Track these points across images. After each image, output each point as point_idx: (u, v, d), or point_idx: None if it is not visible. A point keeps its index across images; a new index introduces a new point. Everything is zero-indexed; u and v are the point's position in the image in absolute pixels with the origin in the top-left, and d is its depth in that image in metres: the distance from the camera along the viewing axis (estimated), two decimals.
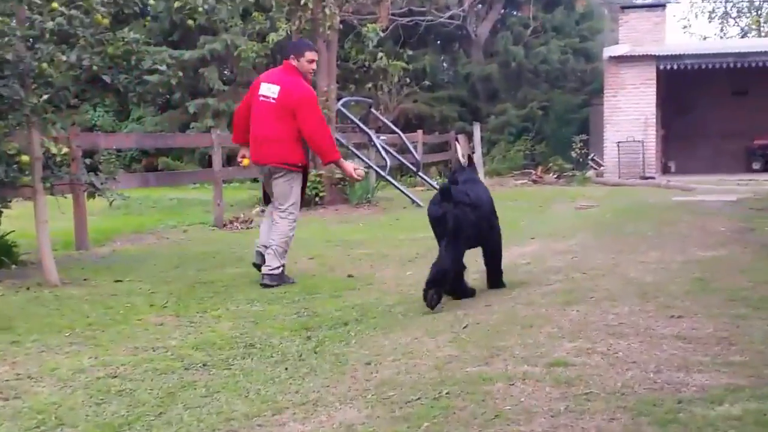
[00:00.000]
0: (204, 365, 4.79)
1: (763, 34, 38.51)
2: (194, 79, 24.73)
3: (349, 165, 7.91)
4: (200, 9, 8.56)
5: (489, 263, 6.84)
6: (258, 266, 7.59)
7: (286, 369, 4.66)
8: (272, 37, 15.09)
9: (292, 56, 7.60)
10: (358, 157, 16.30)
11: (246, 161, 7.95)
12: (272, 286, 7.27)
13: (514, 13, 28.72)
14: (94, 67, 7.66)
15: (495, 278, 6.86)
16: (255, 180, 20.92)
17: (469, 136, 23.73)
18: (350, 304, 6.45)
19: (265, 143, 7.48)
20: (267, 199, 7.95)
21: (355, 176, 7.92)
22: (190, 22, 8.84)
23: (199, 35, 24.15)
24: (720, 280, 6.60)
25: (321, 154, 7.62)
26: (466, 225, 6.26)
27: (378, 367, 4.59)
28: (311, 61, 7.65)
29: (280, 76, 7.61)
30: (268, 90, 7.51)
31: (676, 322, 5.26)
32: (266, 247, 7.52)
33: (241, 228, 12.36)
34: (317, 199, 15.02)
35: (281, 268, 7.48)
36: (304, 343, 5.27)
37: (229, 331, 5.61)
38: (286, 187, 7.52)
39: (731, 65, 21.46)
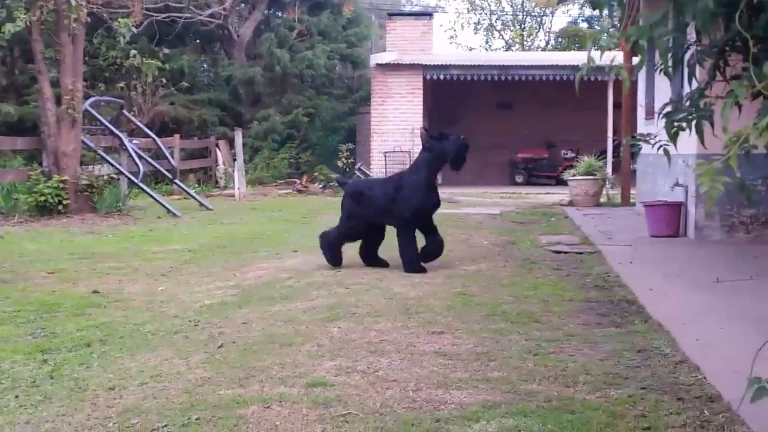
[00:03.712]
0: None
1: (526, 47, 40.87)
2: None
3: None
4: None
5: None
6: None
7: (17, 397, 4.40)
8: (8, 29, 14.28)
9: None
10: (108, 162, 15.89)
11: None
12: None
13: (279, 14, 28.79)
14: None
15: None
16: None
17: (231, 143, 23.57)
18: (94, 323, 6.19)
19: None
20: None
21: None
22: None
23: None
24: (481, 295, 6.91)
25: None
26: None
27: (122, 392, 4.44)
28: None
29: None
30: None
31: (437, 338, 5.45)
32: None
33: None
34: (60, 207, 14.38)
35: None
36: (40, 367, 5.00)
37: None
38: None
39: (496, 78, 22.60)
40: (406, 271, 8.15)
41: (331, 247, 8.63)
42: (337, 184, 9.20)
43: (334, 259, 8.60)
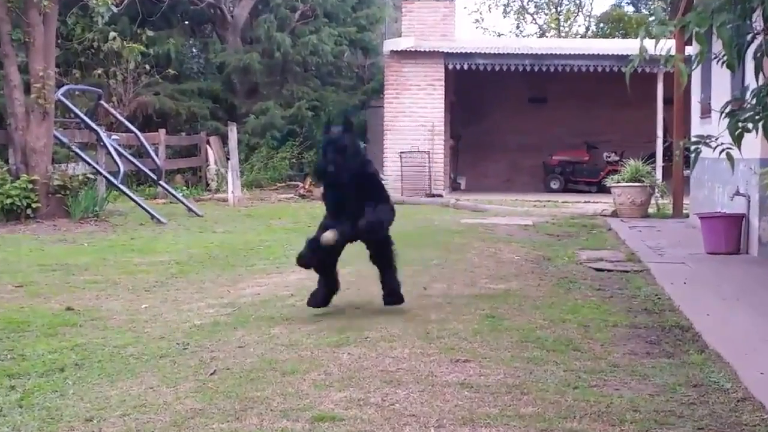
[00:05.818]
0: None
1: (563, 34, 40.83)
2: None
3: None
4: None
5: None
6: None
7: None
8: None
9: None
10: (84, 160, 15.94)
11: None
12: None
13: None
14: None
15: None
16: None
17: (223, 139, 23.62)
18: (69, 345, 6.21)
19: None
20: None
21: None
22: None
23: None
24: (512, 318, 6.90)
25: None
26: None
27: (101, 425, 4.46)
28: None
29: None
30: None
31: (461, 367, 5.45)
32: None
33: None
34: (29, 211, 14.44)
35: None
36: (7, 394, 5.03)
37: None
38: None
39: (528, 68, 22.55)
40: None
41: None
42: None
43: None
